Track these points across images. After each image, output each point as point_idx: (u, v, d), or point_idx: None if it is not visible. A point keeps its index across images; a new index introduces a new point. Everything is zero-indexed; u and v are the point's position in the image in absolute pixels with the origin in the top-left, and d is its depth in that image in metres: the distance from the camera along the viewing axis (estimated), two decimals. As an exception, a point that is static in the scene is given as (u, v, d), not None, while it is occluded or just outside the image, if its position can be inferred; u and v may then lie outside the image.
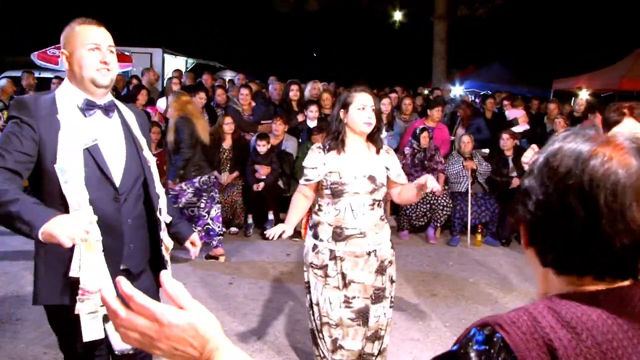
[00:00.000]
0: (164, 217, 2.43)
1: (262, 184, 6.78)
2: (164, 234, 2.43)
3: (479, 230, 7.09)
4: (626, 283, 0.93)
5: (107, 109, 2.21)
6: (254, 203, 7.01)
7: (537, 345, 0.86)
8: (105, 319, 2.17)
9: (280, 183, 7.16)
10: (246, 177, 6.98)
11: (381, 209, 3.23)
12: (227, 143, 7.13)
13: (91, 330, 2.13)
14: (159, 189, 2.39)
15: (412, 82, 15.82)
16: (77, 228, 1.80)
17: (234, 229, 6.99)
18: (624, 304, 0.91)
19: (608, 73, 13.41)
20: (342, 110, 3.15)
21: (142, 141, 2.32)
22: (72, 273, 2.05)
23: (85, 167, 2.08)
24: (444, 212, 7.05)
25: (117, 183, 2.17)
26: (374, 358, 3.34)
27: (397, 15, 18.66)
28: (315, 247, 3.21)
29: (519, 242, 7.20)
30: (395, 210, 7.50)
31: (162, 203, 2.41)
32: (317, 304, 3.24)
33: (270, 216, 7.08)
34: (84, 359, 2.30)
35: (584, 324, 0.88)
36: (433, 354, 4.08)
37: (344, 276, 3.16)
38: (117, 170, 2.19)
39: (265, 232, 3.07)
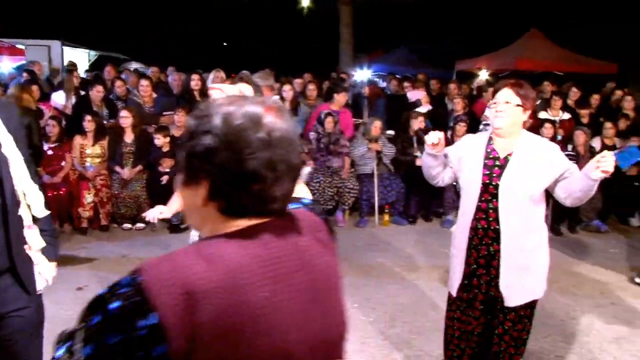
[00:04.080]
0: (33, 213, 2.32)
1: (166, 177, 6.62)
2: (30, 232, 2.32)
3: (387, 211, 7.25)
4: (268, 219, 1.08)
5: None
6: (159, 197, 6.79)
7: (172, 283, 0.93)
8: None
9: (186, 175, 7.02)
10: (150, 171, 6.80)
11: None
12: (128, 137, 6.90)
13: None
14: (24, 185, 2.27)
15: (322, 67, 15.85)
16: None
17: (140, 225, 6.78)
18: (257, 235, 1.04)
19: (505, 54, 13.99)
20: None
21: (3, 138, 2.21)
22: None
23: None
24: (351, 195, 7.15)
25: None
26: None
27: (305, 2, 18.69)
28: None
29: (425, 220, 7.45)
30: (304, 195, 7.53)
31: (33, 200, 2.30)
32: None
33: (178, 209, 6.92)
34: None
35: (220, 256, 0.99)
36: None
37: None
38: None
39: (143, 215, 2.97)
